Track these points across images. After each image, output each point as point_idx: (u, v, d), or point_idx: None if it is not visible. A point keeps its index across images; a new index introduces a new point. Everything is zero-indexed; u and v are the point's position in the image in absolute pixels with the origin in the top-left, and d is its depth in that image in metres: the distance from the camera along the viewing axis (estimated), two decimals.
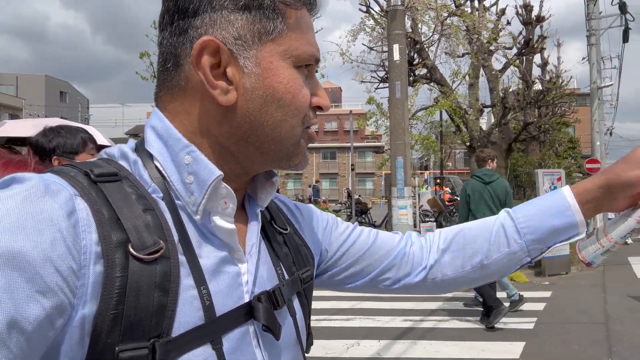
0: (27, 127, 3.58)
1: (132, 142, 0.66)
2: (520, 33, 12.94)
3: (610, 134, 25.31)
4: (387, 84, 11.45)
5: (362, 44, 11.96)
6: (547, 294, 7.72)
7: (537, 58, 15.63)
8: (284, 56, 0.62)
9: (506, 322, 5.95)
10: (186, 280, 0.56)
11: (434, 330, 5.73)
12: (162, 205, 0.59)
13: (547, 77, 15.41)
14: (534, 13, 12.95)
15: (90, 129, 2.16)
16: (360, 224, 7.03)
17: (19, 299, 0.45)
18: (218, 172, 0.61)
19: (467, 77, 12.13)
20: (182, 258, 0.57)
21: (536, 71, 15.91)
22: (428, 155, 21.04)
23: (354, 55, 12.00)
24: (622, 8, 13.63)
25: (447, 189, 20.33)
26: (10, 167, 0.93)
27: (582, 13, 14.17)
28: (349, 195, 16.66)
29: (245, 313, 0.62)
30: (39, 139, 1.86)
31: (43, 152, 1.83)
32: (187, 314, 0.55)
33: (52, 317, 0.47)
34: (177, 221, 0.59)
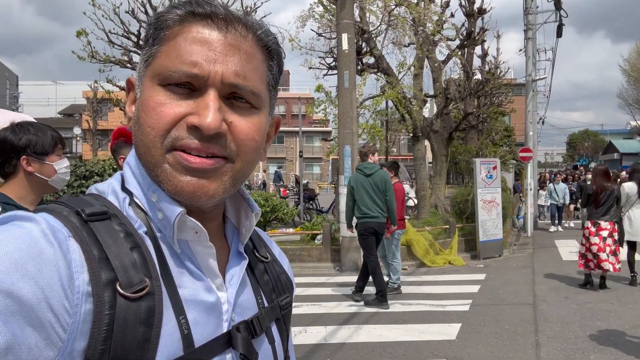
0: None
1: (119, 175, 0.69)
2: (463, 25, 13.39)
3: (542, 122, 26.87)
4: (335, 71, 11.55)
5: (311, 29, 11.95)
6: (482, 276, 8.21)
7: (477, 49, 16.28)
8: (153, 77, 0.63)
9: (444, 305, 6.31)
10: (167, 313, 0.59)
11: (377, 315, 5.98)
12: (147, 240, 0.62)
13: (487, 68, 16.08)
14: (476, 5, 13.44)
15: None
16: (308, 210, 7.17)
17: (15, 330, 0.50)
18: (179, 209, 0.62)
19: (412, 68, 12.44)
20: (164, 291, 0.60)
21: (477, 62, 16.56)
22: (373, 142, 21.46)
23: (302, 41, 11.97)
24: (557, 4, 14.41)
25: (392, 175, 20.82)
26: None
27: (520, 5, 14.79)
28: (297, 182, 16.72)
29: (224, 342, 0.65)
30: (7, 135, 1.73)
31: (11, 150, 1.73)
32: (168, 346, 0.58)
33: (41, 348, 0.51)
34: (159, 254, 0.62)
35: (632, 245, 7.51)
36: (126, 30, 10.55)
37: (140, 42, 10.98)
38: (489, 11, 13.48)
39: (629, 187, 7.46)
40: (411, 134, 12.88)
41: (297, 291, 7.14)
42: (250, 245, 0.79)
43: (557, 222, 14.73)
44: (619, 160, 30.75)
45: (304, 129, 16.33)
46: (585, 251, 7.14)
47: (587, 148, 47.88)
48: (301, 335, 5.24)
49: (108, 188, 0.67)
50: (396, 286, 6.99)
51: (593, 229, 7.02)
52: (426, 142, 13.71)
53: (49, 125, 1.89)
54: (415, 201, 13.87)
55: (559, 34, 15.43)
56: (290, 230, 10.46)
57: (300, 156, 14.14)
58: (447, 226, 10.42)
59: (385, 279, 6.72)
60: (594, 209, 7.10)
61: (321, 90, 11.70)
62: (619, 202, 7.17)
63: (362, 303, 6.40)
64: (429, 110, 20.12)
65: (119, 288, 0.55)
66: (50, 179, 1.81)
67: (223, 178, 0.64)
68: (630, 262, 7.44)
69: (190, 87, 0.62)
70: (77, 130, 32.35)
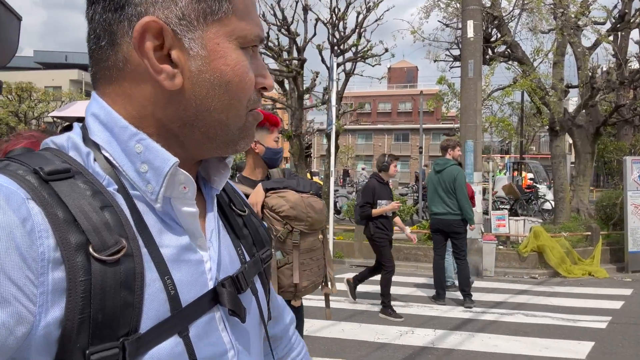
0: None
1: (78, 129, 0.62)
2: (615, 6, 11.72)
3: None
4: (460, 62, 10.92)
5: (437, 20, 11.46)
6: (628, 291, 7.12)
7: (634, 34, 14.17)
8: (230, 37, 0.60)
9: (576, 320, 5.57)
10: (150, 274, 0.55)
11: (495, 324, 5.48)
12: (120, 198, 0.57)
13: None
14: None
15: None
16: (427, 208, 6.76)
17: None
18: (173, 159, 0.58)
19: (550, 55, 11.23)
20: (144, 251, 0.55)
21: (633, 48, 14.45)
22: (508, 138, 19.96)
23: (428, 32, 11.52)
24: None
25: (528, 174, 19.17)
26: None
27: None
28: (417, 179, 16.25)
29: (211, 299, 0.62)
30: None
31: None
32: (154, 308, 0.55)
33: (10, 327, 0.46)
34: (135, 212, 0.57)
35: None
36: None
37: (270, 44, 11.51)
38: None
39: None
40: (547, 127, 11.64)
41: (407, 291, 6.88)
42: (225, 198, 0.77)
43: None
44: None
45: (429, 125, 15.83)
46: None
47: None
48: (407, 336, 5.00)
49: (67, 142, 0.60)
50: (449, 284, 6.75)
51: None
52: (569, 139, 12.30)
53: None
54: (553, 204, 12.56)
55: None
56: (407, 228, 10.14)
57: (420, 152, 13.68)
58: (589, 233, 9.24)
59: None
60: None
61: (444, 82, 11.13)
62: None
63: (480, 310, 5.91)
64: (575, 103, 18.05)
65: (92, 251, 0.50)
66: None
67: None
68: None
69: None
70: None
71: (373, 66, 11.96)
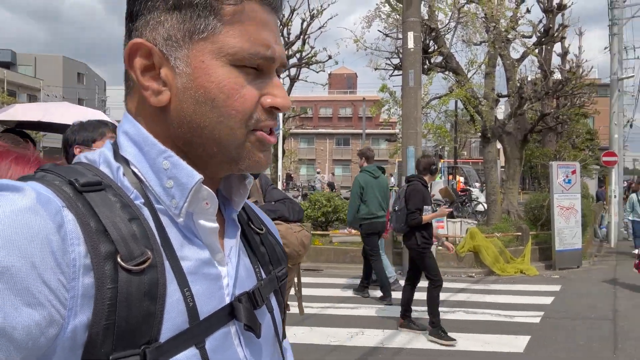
0: (35, 111, 3.65)
1: (109, 145, 0.66)
2: (540, 21, 12.62)
3: (631, 125, 24.75)
4: (401, 72, 11.32)
5: (378, 30, 11.81)
6: (557, 287, 7.66)
7: (557, 47, 15.31)
8: (218, 55, 0.60)
9: (513, 316, 5.94)
10: (171, 286, 0.57)
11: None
12: (146, 211, 0.60)
13: (567, 67, 15.07)
14: (555, 0, 12.63)
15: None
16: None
17: (7, 310, 0.47)
18: (198, 176, 0.61)
19: (483, 66, 11.91)
20: (166, 263, 0.58)
21: (556, 60, 15.59)
22: (442, 144, 20.85)
23: (368, 41, 11.86)
24: None
25: (461, 178, 20.14)
26: (21, 162, 0.88)
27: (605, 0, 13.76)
28: None
29: (228, 314, 0.64)
30: (68, 135, 1.91)
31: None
32: (174, 318, 0.57)
33: (42, 327, 0.49)
34: (159, 226, 0.60)
35: None
36: None
37: None
38: (569, 6, 12.62)
39: None
40: (480, 134, 12.32)
41: (355, 292, 7.01)
42: (244, 217, 0.78)
43: None
44: None
45: (369, 131, 16.19)
46: None
47: None
48: (358, 337, 5.13)
49: (99, 157, 0.63)
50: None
51: None
52: (499, 146, 13.08)
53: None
54: (485, 206, 13.26)
55: None
56: (353, 231, 10.34)
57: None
58: (520, 233, 9.85)
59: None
60: None
61: (385, 91, 11.49)
62: None
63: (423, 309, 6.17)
64: (504, 112, 19.20)
65: (120, 261, 0.53)
66: None
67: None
68: None
69: (257, 67, 0.63)
70: None
71: (317, 72, 12.13)
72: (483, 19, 11.16)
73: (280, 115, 9.12)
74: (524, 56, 12.59)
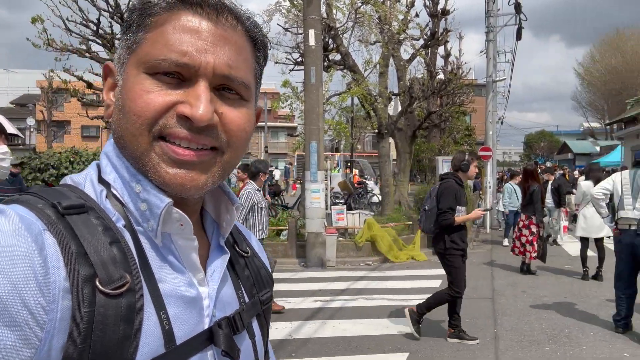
0: None
1: (95, 166, 0.67)
2: (427, 25, 13.62)
3: (501, 122, 27.64)
4: (301, 67, 11.53)
5: (277, 24, 11.86)
6: (443, 271, 8.36)
7: (440, 49, 16.59)
8: (138, 65, 0.62)
9: (408, 300, 6.42)
10: (148, 309, 0.58)
11: (342, 310, 6.03)
12: (127, 234, 0.60)
13: (449, 68, 16.43)
14: (440, 6, 13.68)
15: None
16: (273, 205, 6.99)
17: None
18: (166, 200, 0.61)
19: (377, 66, 12.56)
20: (144, 286, 0.58)
21: (440, 62, 16.89)
22: (339, 138, 21.53)
23: (269, 35, 11.86)
24: (517, 8, 14.85)
25: (357, 171, 21.06)
26: None
27: (482, 8, 15.18)
28: None
29: (206, 339, 0.64)
30: None
31: None
32: (150, 343, 0.57)
33: (18, 348, 0.49)
34: (139, 248, 0.61)
35: (584, 242, 7.84)
36: (85, 18, 10.16)
37: (100, 31, 10.62)
38: (452, 12, 13.76)
39: (585, 185, 7.77)
40: (376, 131, 13.01)
41: None
42: (230, 239, 0.78)
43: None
44: (573, 160, 31.99)
45: (269, 124, 16.22)
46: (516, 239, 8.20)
47: (543, 148, 49.62)
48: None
49: (85, 179, 0.64)
50: None
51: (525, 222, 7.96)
52: (391, 140, 13.91)
53: None
54: (380, 198, 14.03)
55: (519, 36, 15.89)
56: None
57: (266, 152, 14.05)
58: (410, 222, 10.60)
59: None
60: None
61: (288, 86, 11.66)
62: (535, 199, 7.81)
63: (328, 298, 6.43)
64: (394, 108, 20.40)
65: (98, 284, 0.54)
66: None
67: (212, 169, 0.64)
68: (583, 257, 7.77)
69: (179, 76, 0.61)
70: (30, 121, 30.94)
71: None
72: (377, 20, 11.76)
73: None
74: (413, 57, 13.49)
